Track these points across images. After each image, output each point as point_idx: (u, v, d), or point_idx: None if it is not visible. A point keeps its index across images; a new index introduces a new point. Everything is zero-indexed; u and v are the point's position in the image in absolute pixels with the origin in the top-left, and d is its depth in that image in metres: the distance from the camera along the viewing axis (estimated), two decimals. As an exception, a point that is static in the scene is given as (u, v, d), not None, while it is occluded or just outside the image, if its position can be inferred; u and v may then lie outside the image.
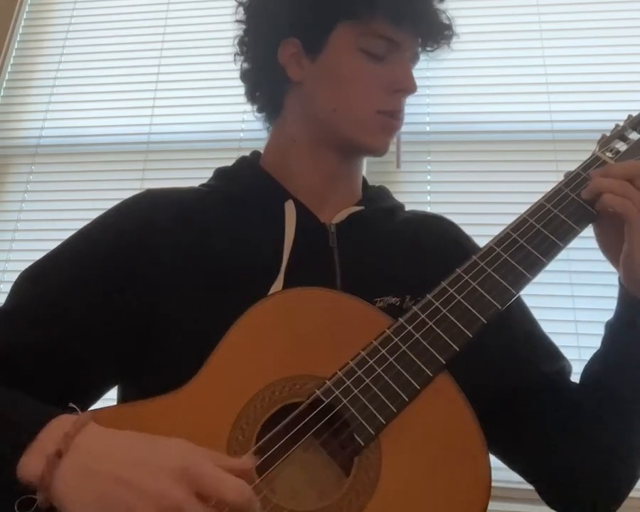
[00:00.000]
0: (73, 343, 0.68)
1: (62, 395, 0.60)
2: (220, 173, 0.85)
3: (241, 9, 0.85)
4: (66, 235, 0.76)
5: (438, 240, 0.83)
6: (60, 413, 0.54)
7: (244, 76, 0.86)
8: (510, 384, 0.75)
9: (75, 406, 0.55)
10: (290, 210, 0.78)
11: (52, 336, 0.67)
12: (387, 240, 0.81)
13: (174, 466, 0.48)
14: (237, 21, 0.85)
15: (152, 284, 0.71)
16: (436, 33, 0.81)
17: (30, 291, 0.71)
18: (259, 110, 0.87)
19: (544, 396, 0.75)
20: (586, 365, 0.78)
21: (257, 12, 0.83)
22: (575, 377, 0.77)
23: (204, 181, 0.85)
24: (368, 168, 1.69)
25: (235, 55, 0.86)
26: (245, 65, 0.85)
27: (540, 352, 0.80)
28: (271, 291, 0.70)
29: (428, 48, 0.83)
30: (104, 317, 0.69)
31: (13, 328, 0.67)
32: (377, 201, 0.85)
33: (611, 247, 0.73)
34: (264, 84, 0.85)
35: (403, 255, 0.79)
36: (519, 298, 0.79)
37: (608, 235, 0.73)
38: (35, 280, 0.72)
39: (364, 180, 0.89)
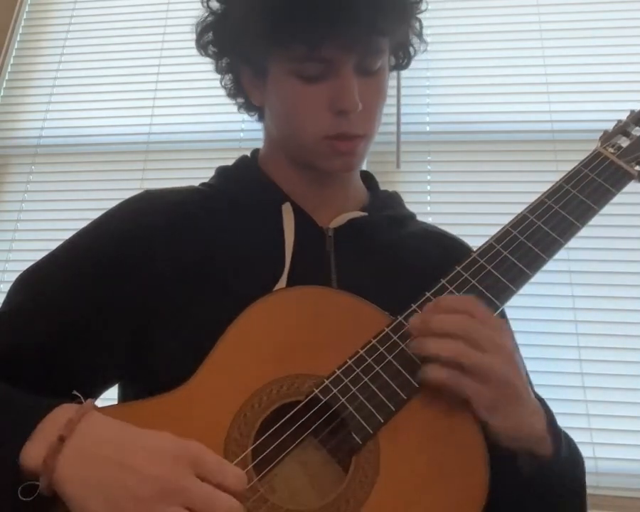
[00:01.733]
0: (71, 345, 0.68)
1: (61, 396, 0.60)
2: (221, 173, 0.85)
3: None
4: (66, 235, 0.76)
5: (446, 259, 0.73)
6: (63, 402, 0.55)
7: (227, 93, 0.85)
8: None
9: (78, 394, 0.55)
10: (288, 212, 0.77)
11: (50, 338, 0.67)
12: (391, 251, 0.78)
13: (174, 449, 0.50)
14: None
15: (151, 286, 0.70)
16: (366, 45, 0.70)
17: (28, 294, 0.71)
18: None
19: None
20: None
21: (217, 44, 0.81)
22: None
23: (204, 181, 0.85)
24: (367, 168, 1.69)
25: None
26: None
27: None
28: None
29: (362, 64, 0.71)
30: (102, 319, 0.69)
31: (11, 330, 0.67)
32: (385, 209, 0.83)
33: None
34: (241, 103, 0.84)
35: (406, 269, 0.76)
36: None
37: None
38: (32, 283, 0.72)
39: (375, 184, 0.87)
